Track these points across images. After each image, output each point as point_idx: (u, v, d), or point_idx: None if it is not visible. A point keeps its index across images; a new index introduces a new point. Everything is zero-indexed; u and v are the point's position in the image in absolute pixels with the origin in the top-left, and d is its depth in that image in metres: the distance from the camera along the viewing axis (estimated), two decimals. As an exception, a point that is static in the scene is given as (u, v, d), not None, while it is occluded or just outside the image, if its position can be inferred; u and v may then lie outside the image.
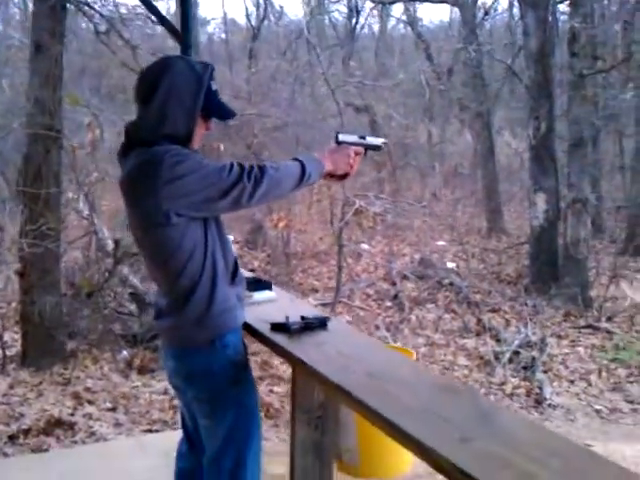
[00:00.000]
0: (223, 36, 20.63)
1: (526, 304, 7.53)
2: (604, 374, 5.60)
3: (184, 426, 2.27)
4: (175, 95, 1.87)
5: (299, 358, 1.87)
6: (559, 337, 6.56)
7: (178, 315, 1.95)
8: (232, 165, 1.86)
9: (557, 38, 8.58)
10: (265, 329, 2.11)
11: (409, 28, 16.59)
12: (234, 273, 2.03)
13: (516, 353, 6.14)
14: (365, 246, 10.01)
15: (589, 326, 6.83)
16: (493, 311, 7.40)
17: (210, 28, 20.99)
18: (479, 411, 1.51)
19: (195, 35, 3.13)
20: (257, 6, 18.02)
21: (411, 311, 7.42)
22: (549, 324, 6.94)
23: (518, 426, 1.47)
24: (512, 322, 7.09)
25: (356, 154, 2.16)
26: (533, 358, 6.02)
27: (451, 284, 8.03)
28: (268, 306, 2.36)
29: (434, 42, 15.05)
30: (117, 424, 4.16)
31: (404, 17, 17.48)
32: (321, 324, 2.12)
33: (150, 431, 4.14)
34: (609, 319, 7.00)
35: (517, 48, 12.13)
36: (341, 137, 2.19)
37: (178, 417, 4.39)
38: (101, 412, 4.33)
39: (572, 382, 5.45)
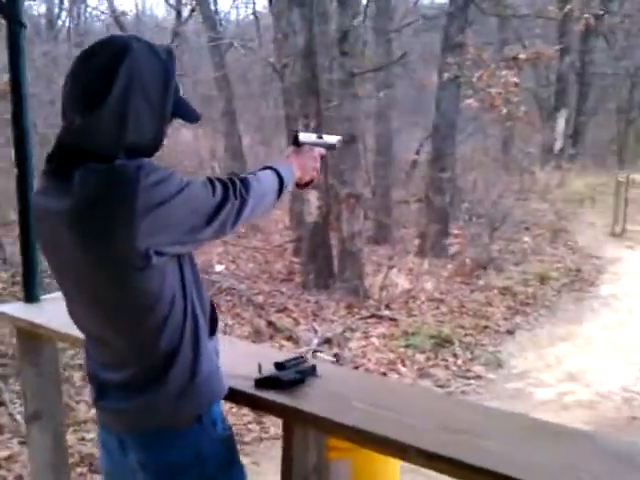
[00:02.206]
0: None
1: (308, 301, 7.58)
2: (407, 362, 5.82)
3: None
4: (138, 89, 1.32)
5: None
6: (351, 330, 6.68)
7: (153, 389, 1.40)
8: (213, 182, 1.41)
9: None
10: (246, 387, 1.62)
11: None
12: (212, 322, 1.54)
13: (316, 352, 6.12)
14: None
15: (373, 316, 7.08)
16: (279, 311, 7.27)
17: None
18: (607, 452, 1.28)
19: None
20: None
21: (194, 321, 6.97)
22: (336, 318, 7.04)
23: None
24: (300, 320, 7.05)
25: (320, 156, 1.79)
26: (335, 355, 6.05)
27: (231, 288, 7.73)
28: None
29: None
30: None
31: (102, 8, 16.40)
32: (312, 370, 1.70)
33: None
34: (387, 307, 7.35)
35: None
36: (302, 137, 1.80)
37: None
38: None
39: (384, 374, 5.55)
